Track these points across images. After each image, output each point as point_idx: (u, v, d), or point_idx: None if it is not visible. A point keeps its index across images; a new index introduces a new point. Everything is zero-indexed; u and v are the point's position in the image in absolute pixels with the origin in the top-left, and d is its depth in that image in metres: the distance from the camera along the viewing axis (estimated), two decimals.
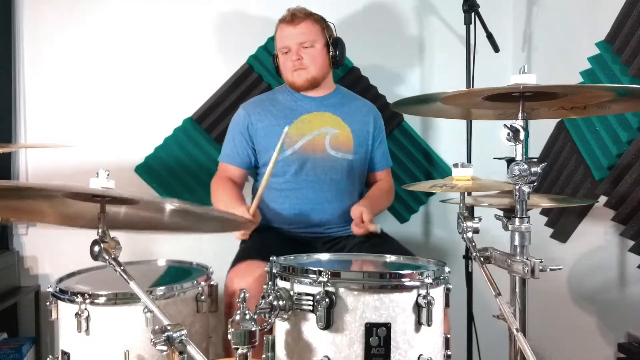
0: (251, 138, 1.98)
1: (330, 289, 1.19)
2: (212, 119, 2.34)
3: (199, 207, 1.35)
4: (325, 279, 1.18)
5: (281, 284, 1.27)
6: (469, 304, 2.19)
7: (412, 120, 2.46)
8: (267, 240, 1.86)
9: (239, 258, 1.76)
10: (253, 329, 1.09)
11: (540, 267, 1.15)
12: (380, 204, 2.06)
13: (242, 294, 1.12)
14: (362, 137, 2.01)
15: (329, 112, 1.99)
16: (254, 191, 2.09)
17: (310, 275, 1.23)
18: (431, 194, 2.49)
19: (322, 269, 1.20)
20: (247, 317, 1.10)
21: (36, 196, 1.24)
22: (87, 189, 1.10)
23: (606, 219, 1.87)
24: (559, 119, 2.09)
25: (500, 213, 1.28)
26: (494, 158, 1.86)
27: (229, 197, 1.89)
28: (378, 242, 1.85)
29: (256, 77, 2.34)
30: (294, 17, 1.90)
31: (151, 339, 1.02)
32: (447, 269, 1.33)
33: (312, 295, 1.20)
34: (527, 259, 1.17)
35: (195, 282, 1.49)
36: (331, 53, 1.94)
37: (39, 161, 2.31)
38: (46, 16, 2.30)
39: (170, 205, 1.25)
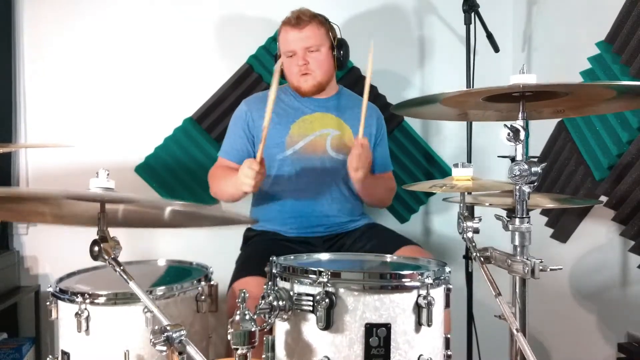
0: (251, 134, 1.96)
1: (330, 289, 1.19)
2: (212, 119, 2.34)
3: (199, 208, 1.35)
4: (325, 280, 1.18)
5: (281, 284, 1.27)
6: (469, 304, 2.19)
7: (412, 120, 2.46)
8: (267, 248, 1.84)
9: (242, 270, 1.73)
10: (253, 329, 1.09)
11: (541, 267, 1.15)
12: (376, 187, 2.00)
13: (242, 294, 1.12)
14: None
15: (331, 113, 1.98)
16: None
17: (310, 276, 1.22)
18: (431, 194, 2.49)
19: (322, 269, 1.20)
20: (247, 317, 1.10)
21: (35, 199, 1.24)
22: (86, 194, 1.10)
23: (606, 219, 1.87)
24: (559, 119, 2.10)
25: (501, 213, 1.28)
26: (498, 156, 1.86)
27: (231, 173, 1.83)
28: (375, 234, 1.85)
29: (256, 77, 2.34)
30: (299, 20, 1.87)
31: (151, 339, 1.02)
32: (447, 269, 1.33)
33: (312, 295, 1.20)
34: (527, 259, 1.17)
35: (195, 282, 1.49)
36: (336, 55, 1.93)
37: (39, 161, 2.31)
38: (46, 16, 2.30)
39: (169, 207, 1.25)
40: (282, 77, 2.02)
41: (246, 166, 1.69)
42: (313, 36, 1.87)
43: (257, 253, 1.79)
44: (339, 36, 1.98)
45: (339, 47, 1.94)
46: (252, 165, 1.68)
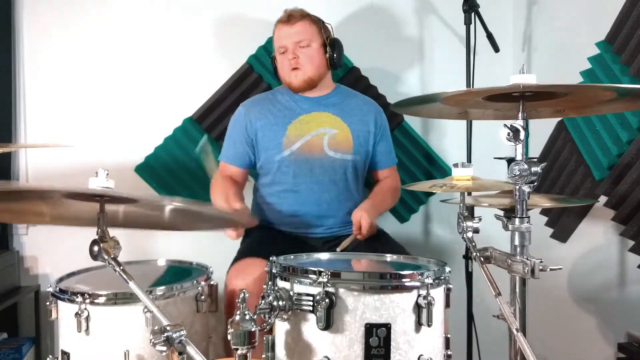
0: (250, 137, 1.97)
1: (330, 289, 1.19)
2: (212, 119, 2.33)
3: (197, 205, 1.35)
4: (325, 280, 1.18)
5: (281, 284, 1.27)
6: (469, 304, 2.19)
7: (412, 120, 2.46)
8: (268, 237, 1.86)
9: (240, 255, 1.76)
10: (252, 329, 1.09)
11: (540, 267, 1.15)
12: (384, 204, 2.03)
13: (242, 294, 1.12)
14: (362, 137, 1.99)
15: (327, 111, 1.98)
16: (255, 191, 2.09)
17: (310, 276, 1.23)
18: (431, 194, 2.49)
19: (322, 269, 1.20)
20: (247, 317, 1.10)
21: (35, 197, 1.24)
22: (85, 190, 1.10)
23: (606, 219, 1.87)
24: (559, 119, 2.10)
25: (501, 213, 1.28)
26: (495, 158, 1.86)
27: (222, 189, 1.85)
28: (376, 242, 1.86)
29: (256, 77, 2.34)
30: (291, 17, 1.91)
31: (151, 340, 1.02)
32: (447, 269, 1.33)
33: (312, 295, 1.20)
34: (527, 259, 1.17)
35: (195, 282, 1.49)
36: (328, 54, 1.93)
37: (39, 161, 2.31)
38: (46, 16, 2.30)
39: (169, 204, 1.25)
40: (277, 78, 2.02)
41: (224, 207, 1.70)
42: (304, 31, 1.90)
43: (258, 240, 1.82)
44: (332, 36, 1.98)
45: (332, 46, 1.94)
46: (227, 207, 1.70)
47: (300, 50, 1.90)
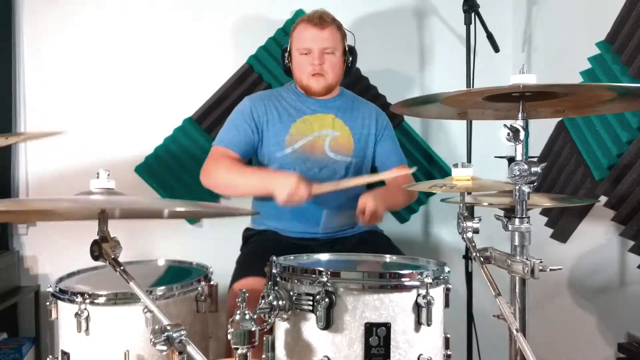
0: (257, 128, 1.94)
1: (330, 289, 1.19)
2: (212, 119, 2.34)
3: (200, 206, 1.35)
4: (325, 279, 1.18)
5: (281, 284, 1.27)
6: (469, 304, 2.19)
7: (412, 120, 2.46)
8: (266, 247, 1.84)
9: (242, 271, 1.73)
10: (253, 329, 1.10)
11: (540, 267, 1.15)
12: (394, 198, 1.98)
13: (242, 294, 1.12)
14: (363, 140, 2.00)
15: (332, 114, 1.98)
16: None
17: (310, 275, 1.23)
18: (431, 194, 2.49)
19: (322, 269, 1.20)
20: (247, 317, 1.10)
21: (37, 211, 1.24)
22: (90, 202, 1.10)
23: (606, 219, 1.87)
24: (559, 119, 2.10)
25: (501, 213, 1.28)
26: (495, 157, 1.86)
27: (249, 167, 1.79)
28: (373, 244, 1.86)
29: (256, 77, 2.34)
30: (322, 20, 1.89)
31: (151, 339, 1.02)
32: (446, 269, 1.33)
33: (312, 295, 1.20)
34: (527, 259, 1.17)
35: (195, 282, 1.49)
36: (346, 62, 1.96)
37: (39, 161, 2.31)
38: (46, 15, 2.30)
39: (168, 209, 1.25)
40: (285, 72, 2.02)
41: (296, 185, 1.68)
42: (331, 38, 1.90)
43: (257, 253, 1.79)
44: (349, 43, 2.00)
45: (351, 54, 1.98)
46: (303, 192, 1.68)
47: (325, 56, 1.90)
